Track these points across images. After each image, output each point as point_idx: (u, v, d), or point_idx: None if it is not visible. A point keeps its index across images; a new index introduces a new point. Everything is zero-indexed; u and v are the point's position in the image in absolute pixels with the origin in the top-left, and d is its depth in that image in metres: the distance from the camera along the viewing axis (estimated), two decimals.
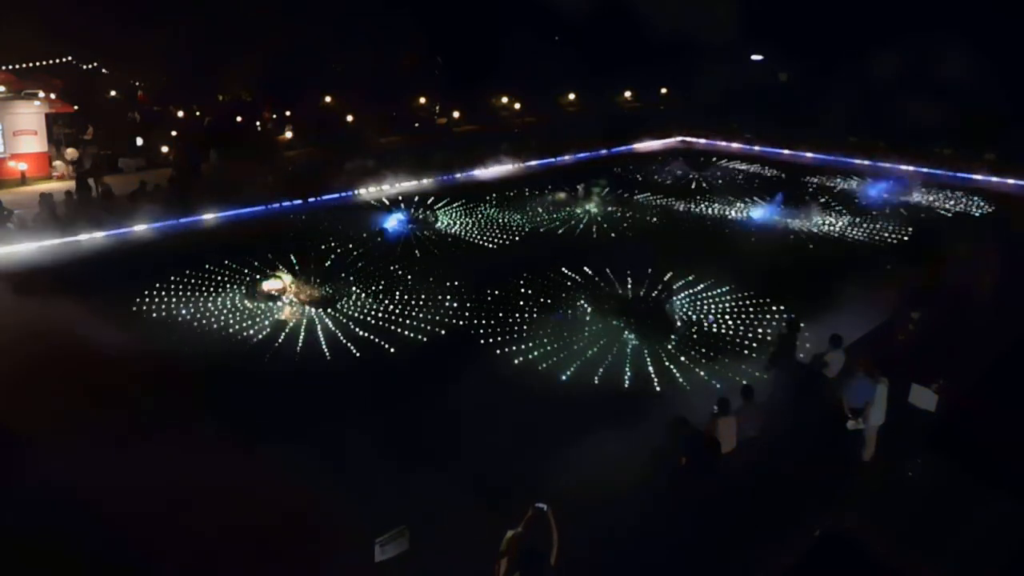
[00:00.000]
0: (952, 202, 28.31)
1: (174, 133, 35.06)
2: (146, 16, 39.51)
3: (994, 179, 31.57)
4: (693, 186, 31.11)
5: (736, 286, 18.28)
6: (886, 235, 23.83)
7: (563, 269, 19.43)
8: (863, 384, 11.00)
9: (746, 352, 15.09)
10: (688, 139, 42.08)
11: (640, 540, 9.23)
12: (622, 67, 49.81)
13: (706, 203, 27.86)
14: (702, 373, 14.23)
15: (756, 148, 39.09)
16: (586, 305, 17.29)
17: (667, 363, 14.61)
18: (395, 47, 46.85)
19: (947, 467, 10.92)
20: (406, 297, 17.79)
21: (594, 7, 39.79)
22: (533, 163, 34.37)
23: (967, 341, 15.28)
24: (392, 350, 15.05)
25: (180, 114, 40.84)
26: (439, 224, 24.14)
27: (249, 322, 16.15)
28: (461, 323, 16.46)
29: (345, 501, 9.91)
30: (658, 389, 13.65)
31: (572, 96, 53.19)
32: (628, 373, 14.19)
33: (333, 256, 20.64)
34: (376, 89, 43.07)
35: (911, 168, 32.78)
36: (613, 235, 23.72)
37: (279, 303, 17.10)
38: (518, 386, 13.46)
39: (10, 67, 34.27)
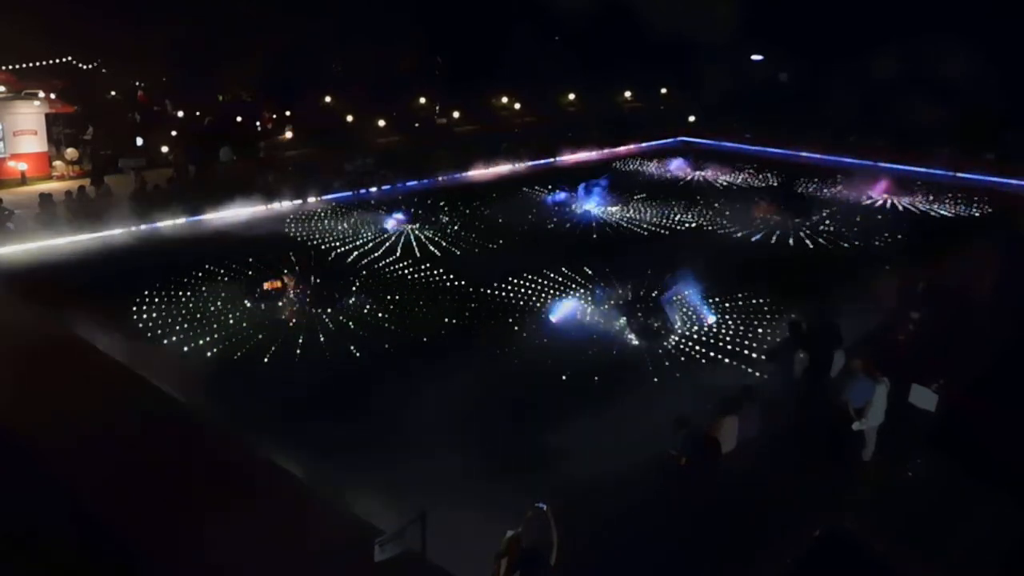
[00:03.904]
0: (943, 203, 28.23)
1: (174, 133, 35.04)
2: (146, 16, 39.56)
3: (993, 179, 31.56)
4: (693, 185, 31.13)
5: (736, 285, 18.27)
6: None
7: (563, 269, 19.45)
8: (863, 384, 11.01)
9: (746, 351, 15.08)
10: (688, 139, 42.11)
11: (640, 540, 9.23)
12: (622, 67, 49.80)
13: (705, 202, 27.86)
14: (701, 373, 14.23)
15: (756, 148, 39.10)
16: (586, 305, 17.28)
17: (667, 363, 14.61)
18: (395, 47, 46.82)
19: (947, 467, 10.92)
20: (406, 296, 17.82)
21: (594, 7, 39.79)
22: (533, 163, 34.37)
23: (967, 341, 15.28)
24: (392, 349, 15.08)
25: (180, 114, 40.83)
26: (439, 224, 24.16)
27: (249, 321, 16.18)
28: (461, 323, 16.47)
29: (344, 499, 9.93)
30: (657, 389, 13.63)
31: (572, 96, 53.18)
32: (628, 373, 14.18)
33: (333, 256, 20.70)
34: (376, 89, 43.07)
35: (905, 168, 32.82)
36: (613, 235, 23.72)
37: (279, 303, 17.11)
38: (517, 386, 13.46)
39: (10, 67, 34.28)
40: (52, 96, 31.01)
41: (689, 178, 32.56)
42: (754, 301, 17.56)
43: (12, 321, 15.92)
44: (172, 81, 44.17)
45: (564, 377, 13.88)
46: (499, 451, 11.11)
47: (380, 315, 16.74)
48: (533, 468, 10.53)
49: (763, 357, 14.46)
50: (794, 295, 17.29)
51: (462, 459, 10.68)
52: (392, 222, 23.79)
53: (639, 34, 42.77)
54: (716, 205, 27.36)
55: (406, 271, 19.66)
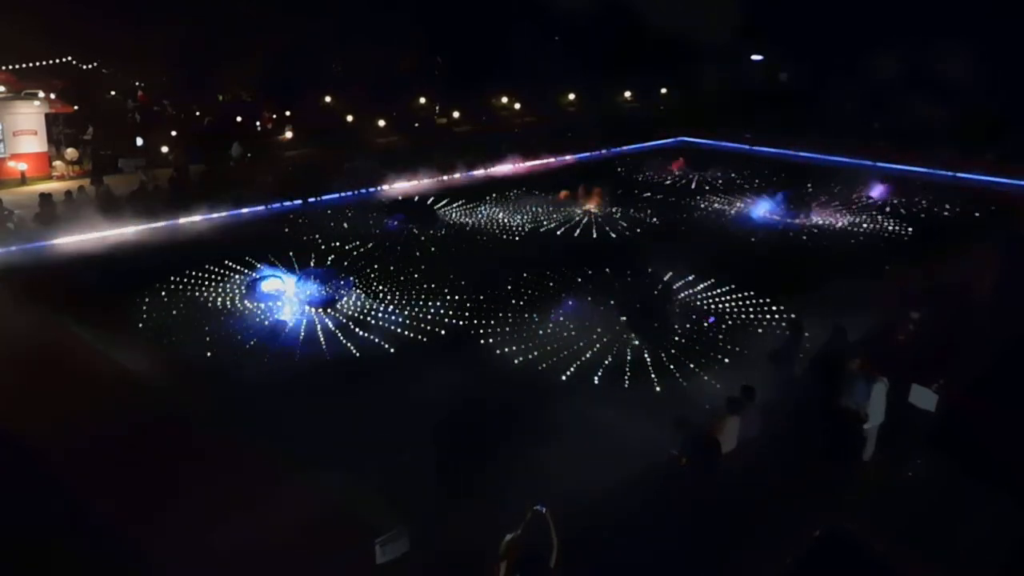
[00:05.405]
0: (942, 203, 28.18)
1: (174, 133, 35.05)
2: (146, 16, 39.60)
3: (993, 179, 31.52)
4: (693, 186, 31.11)
5: (736, 285, 18.26)
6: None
7: (563, 269, 19.43)
8: (861, 384, 11.01)
9: (746, 352, 15.07)
10: (688, 139, 42.09)
11: (639, 541, 9.23)
12: (622, 67, 49.82)
13: (705, 202, 27.86)
14: (702, 373, 14.22)
15: (755, 148, 39.09)
16: (586, 305, 17.27)
17: (667, 363, 14.61)
18: (395, 47, 46.85)
19: (947, 467, 10.92)
20: (406, 296, 17.81)
21: (594, 7, 39.81)
22: (532, 162, 34.36)
23: (967, 341, 15.27)
24: (392, 350, 15.08)
25: (181, 115, 40.88)
26: (439, 223, 24.15)
27: (249, 322, 16.16)
28: (461, 323, 16.46)
29: (343, 500, 9.93)
30: (658, 389, 13.65)
31: (572, 96, 53.18)
32: (628, 373, 14.18)
33: (333, 256, 20.70)
34: (376, 89, 43.08)
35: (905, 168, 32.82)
36: (613, 235, 23.72)
37: (279, 303, 17.11)
38: (517, 386, 13.45)
39: (10, 67, 34.31)
40: (52, 96, 31.06)
41: (688, 178, 32.53)
42: (753, 300, 17.58)
43: (12, 321, 15.91)
44: (172, 81, 44.22)
45: (564, 377, 13.93)
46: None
47: (379, 315, 16.75)
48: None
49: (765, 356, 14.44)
50: (794, 295, 17.29)
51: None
52: (391, 222, 23.79)
53: (639, 34, 42.77)
54: (715, 205, 27.36)
55: (405, 271, 19.66)
